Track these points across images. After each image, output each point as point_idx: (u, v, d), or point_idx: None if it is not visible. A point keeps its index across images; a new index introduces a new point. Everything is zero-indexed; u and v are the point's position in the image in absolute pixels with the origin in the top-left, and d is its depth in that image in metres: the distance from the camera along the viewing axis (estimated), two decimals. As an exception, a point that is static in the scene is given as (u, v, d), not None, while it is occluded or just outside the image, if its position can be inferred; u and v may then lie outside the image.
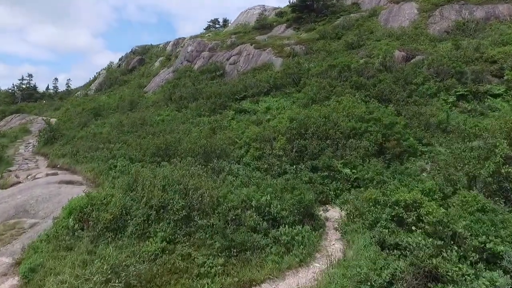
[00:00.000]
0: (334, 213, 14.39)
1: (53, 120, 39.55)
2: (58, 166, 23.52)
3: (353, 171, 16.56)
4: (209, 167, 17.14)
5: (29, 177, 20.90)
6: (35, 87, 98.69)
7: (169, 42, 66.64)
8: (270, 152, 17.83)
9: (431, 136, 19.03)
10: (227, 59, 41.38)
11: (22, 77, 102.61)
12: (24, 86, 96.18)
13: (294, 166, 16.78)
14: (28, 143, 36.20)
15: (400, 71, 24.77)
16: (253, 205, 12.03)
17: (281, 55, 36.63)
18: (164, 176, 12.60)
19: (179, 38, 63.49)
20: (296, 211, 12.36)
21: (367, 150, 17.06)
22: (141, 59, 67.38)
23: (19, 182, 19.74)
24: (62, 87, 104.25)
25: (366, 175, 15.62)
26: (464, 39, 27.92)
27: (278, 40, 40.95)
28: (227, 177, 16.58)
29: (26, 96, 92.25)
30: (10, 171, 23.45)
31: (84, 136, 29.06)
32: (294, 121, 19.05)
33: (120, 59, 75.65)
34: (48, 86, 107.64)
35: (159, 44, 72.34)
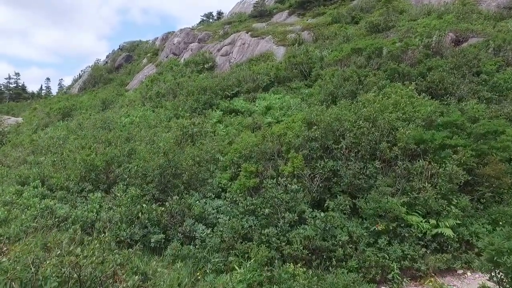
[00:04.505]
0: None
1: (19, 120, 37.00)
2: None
3: (431, 221, 8.53)
4: (166, 206, 9.33)
5: None
6: (23, 87, 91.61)
7: (158, 37, 58.36)
8: (275, 180, 9.66)
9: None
10: (218, 50, 33.54)
11: (9, 75, 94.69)
12: (11, 86, 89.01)
13: (322, 214, 8.63)
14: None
15: (458, 55, 16.65)
16: None
17: (283, 43, 29.05)
18: None
19: (169, 32, 55.05)
20: None
21: (451, 182, 8.95)
22: (128, 56, 59.29)
23: None
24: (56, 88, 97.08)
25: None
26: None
27: (280, 27, 33.10)
28: (196, 226, 8.84)
29: (14, 96, 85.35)
30: None
31: (31, 141, 22.02)
32: (316, 127, 10.86)
33: (107, 56, 67.42)
34: (41, 87, 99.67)
35: (148, 40, 63.96)
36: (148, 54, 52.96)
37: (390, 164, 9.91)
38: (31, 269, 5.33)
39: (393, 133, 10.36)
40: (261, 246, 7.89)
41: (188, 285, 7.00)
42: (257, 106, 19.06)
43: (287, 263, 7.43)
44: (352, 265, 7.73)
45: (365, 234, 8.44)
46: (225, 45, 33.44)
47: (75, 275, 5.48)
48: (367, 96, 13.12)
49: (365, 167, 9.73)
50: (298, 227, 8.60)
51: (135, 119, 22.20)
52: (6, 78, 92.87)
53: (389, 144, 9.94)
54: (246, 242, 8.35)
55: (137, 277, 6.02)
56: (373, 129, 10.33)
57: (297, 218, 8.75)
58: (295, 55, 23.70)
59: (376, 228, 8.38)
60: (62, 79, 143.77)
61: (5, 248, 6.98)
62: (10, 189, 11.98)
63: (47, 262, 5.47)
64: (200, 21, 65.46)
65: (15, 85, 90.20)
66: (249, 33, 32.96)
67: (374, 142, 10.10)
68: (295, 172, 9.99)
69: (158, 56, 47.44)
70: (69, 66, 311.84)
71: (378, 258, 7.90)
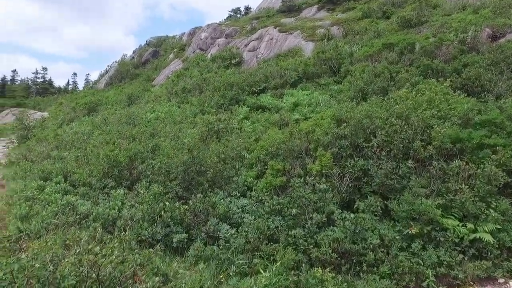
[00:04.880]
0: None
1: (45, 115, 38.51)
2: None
3: (468, 225, 8.10)
4: (190, 204, 9.14)
5: None
6: (50, 82, 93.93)
7: (185, 32, 58.54)
8: (302, 178, 9.36)
9: None
10: (245, 45, 33.22)
11: (36, 70, 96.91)
12: (38, 80, 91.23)
13: (352, 215, 8.29)
14: (9, 142, 29.34)
15: (496, 51, 15.94)
16: None
17: (312, 39, 28.45)
18: None
19: (196, 28, 55.17)
20: None
21: (490, 183, 8.47)
22: (155, 51, 59.70)
23: None
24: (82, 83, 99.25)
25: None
26: None
27: (309, 22, 32.54)
28: (220, 226, 8.63)
29: (41, 90, 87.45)
30: None
31: (55, 136, 22.43)
32: (345, 124, 10.48)
33: (134, 52, 68.09)
34: (68, 82, 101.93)
35: (175, 35, 64.29)
36: (175, 50, 53.06)
37: (424, 164, 9.43)
38: (49, 267, 5.20)
39: (428, 131, 9.85)
40: (287, 248, 7.59)
41: (211, 288, 6.78)
42: (284, 103, 18.65)
43: (315, 267, 7.11)
44: (384, 270, 7.34)
45: (397, 237, 7.99)
46: (253, 40, 33.06)
47: (94, 274, 5.33)
48: (399, 92, 12.60)
49: (398, 167, 9.27)
50: (327, 229, 8.24)
51: (161, 114, 22.16)
52: (33, 73, 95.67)
53: (423, 143, 9.43)
54: (272, 243, 8.03)
55: (157, 278, 5.83)
56: (406, 127, 9.83)
57: (325, 219, 8.37)
58: (324, 51, 23.14)
59: (410, 232, 7.96)
60: (88, 74, 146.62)
61: (25, 245, 6.91)
62: (32, 184, 12.05)
63: (66, 260, 5.35)
64: (228, 17, 65.33)
65: (42, 80, 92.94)
66: (277, 28, 32.48)
67: (407, 141, 9.63)
68: (324, 171, 9.64)
69: (185, 51, 47.41)
70: (96, 61, 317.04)
71: (411, 264, 7.43)
